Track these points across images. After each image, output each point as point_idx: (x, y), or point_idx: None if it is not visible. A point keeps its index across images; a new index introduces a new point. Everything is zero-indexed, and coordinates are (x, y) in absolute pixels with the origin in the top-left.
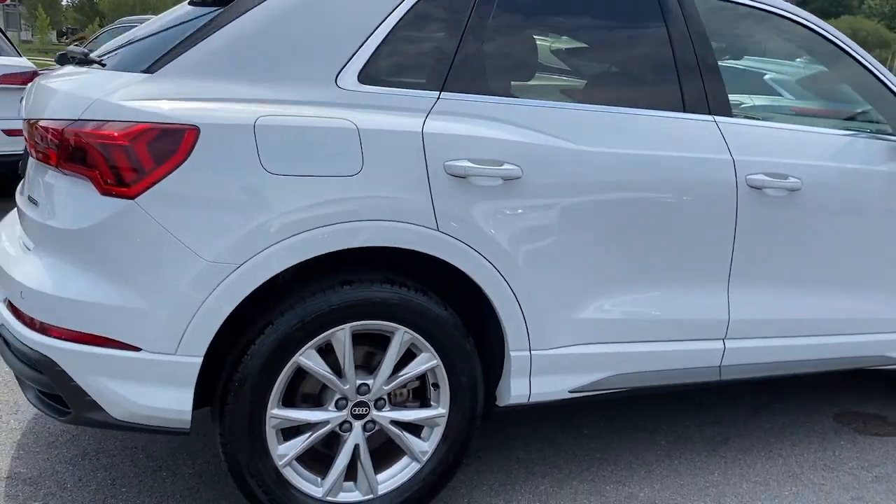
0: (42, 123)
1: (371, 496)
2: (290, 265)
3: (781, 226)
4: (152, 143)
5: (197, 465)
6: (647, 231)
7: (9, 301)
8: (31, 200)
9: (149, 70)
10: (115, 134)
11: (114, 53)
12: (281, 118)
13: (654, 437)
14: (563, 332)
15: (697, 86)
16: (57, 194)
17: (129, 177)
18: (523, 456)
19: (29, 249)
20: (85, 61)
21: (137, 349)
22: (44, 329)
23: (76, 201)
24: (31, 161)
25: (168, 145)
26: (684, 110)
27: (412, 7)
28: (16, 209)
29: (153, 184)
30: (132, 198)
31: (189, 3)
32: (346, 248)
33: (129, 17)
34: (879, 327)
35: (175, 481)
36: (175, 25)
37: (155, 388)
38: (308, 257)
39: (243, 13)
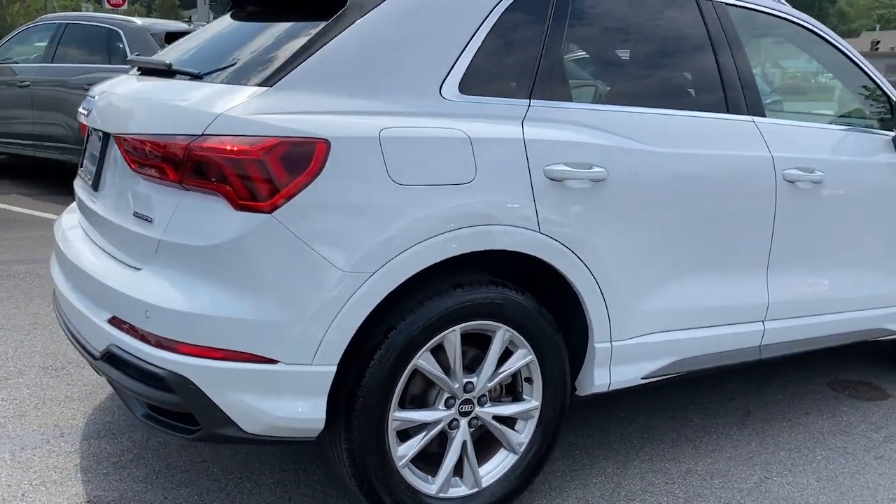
0: (150, 139)
1: (476, 489)
2: (417, 272)
3: (808, 215)
4: (285, 157)
5: (275, 474)
6: (705, 224)
7: (119, 320)
8: (141, 217)
9: (266, 83)
10: (250, 149)
11: (195, 62)
12: (402, 129)
13: (686, 416)
14: (637, 322)
15: (737, 89)
16: (182, 211)
17: (264, 192)
18: (578, 442)
19: (135, 267)
20: (165, 72)
21: (275, 362)
22: (176, 347)
23: (208, 217)
24: (120, 173)
25: (301, 159)
26: (728, 111)
27: (499, 17)
28: (67, 225)
29: (289, 197)
30: (269, 212)
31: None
32: (465, 252)
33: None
34: (880, 303)
35: (262, 492)
36: (257, 36)
37: (291, 400)
38: (431, 263)
39: (348, 26)
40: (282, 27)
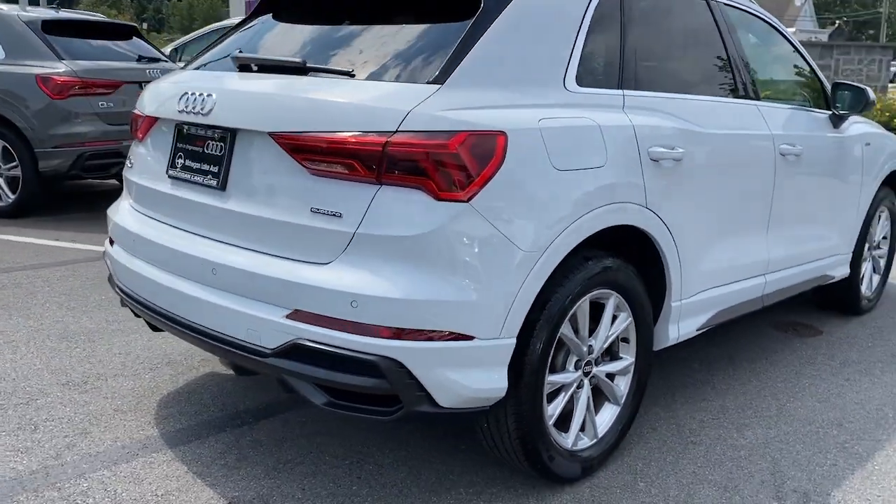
0: (333, 136)
1: (595, 439)
2: (571, 249)
3: (791, 183)
4: (474, 149)
5: (387, 453)
6: (737, 193)
7: (305, 313)
8: (323, 212)
9: (437, 81)
10: (447, 143)
11: (326, 60)
12: (553, 120)
13: (692, 371)
14: (697, 281)
15: (744, 76)
16: (379, 204)
17: (461, 183)
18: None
19: (319, 262)
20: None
21: (471, 338)
22: (381, 333)
23: (408, 209)
24: (273, 171)
25: (487, 151)
26: (739, 97)
27: (593, 14)
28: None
29: (481, 187)
30: (466, 201)
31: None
32: (602, 229)
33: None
34: (826, 253)
35: (386, 471)
36: (379, 34)
37: (483, 372)
38: (581, 240)
39: (488, 26)
40: (402, 25)
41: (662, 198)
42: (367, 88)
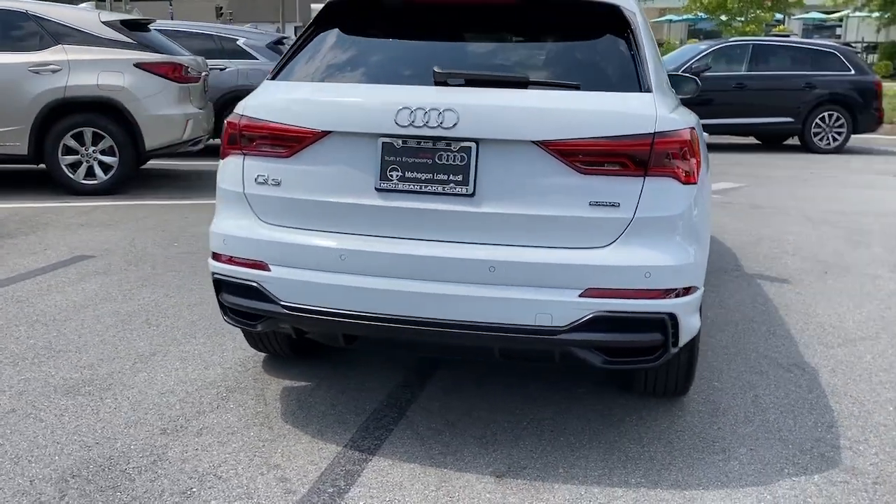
0: (606, 141)
1: None
2: None
3: None
4: (693, 143)
5: (543, 411)
6: None
7: (598, 290)
8: (601, 204)
9: (647, 90)
10: (688, 139)
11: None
12: (693, 116)
13: None
14: None
15: None
16: (648, 192)
17: (693, 169)
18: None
19: (597, 245)
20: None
21: (699, 289)
22: (669, 295)
23: (668, 194)
24: (538, 173)
25: (694, 144)
26: None
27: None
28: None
29: (698, 170)
30: (696, 184)
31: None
32: None
33: None
34: None
35: (555, 426)
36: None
37: (696, 315)
38: None
39: (639, 41)
40: (555, 39)
41: None
42: (608, 98)
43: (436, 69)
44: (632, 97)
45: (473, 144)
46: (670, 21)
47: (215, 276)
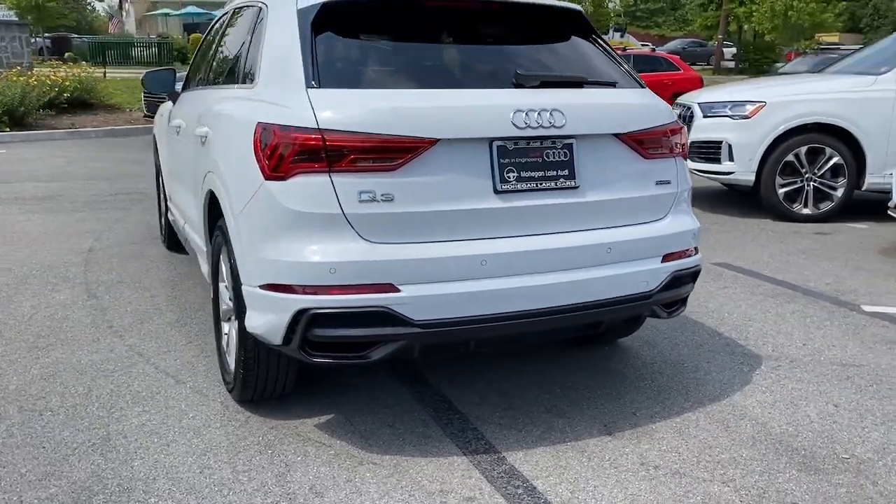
0: (658, 129)
1: None
2: None
3: None
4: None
5: (564, 388)
6: None
7: (672, 254)
8: (661, 182)
9: (642, 86)
10: (681, 126)
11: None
12: None
13: None
14: None
15: None
16: (680, 169)
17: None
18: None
19: (658, 218)
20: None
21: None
22: (697, 251)
23: (684, 169)
24: (619, 162)
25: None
26: None
27: None
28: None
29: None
30: (686, 159)
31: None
32: None
33: None
34: None
35: (582, 397)
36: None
37: None
38: None
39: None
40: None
41: None
42: (640, 94)
43: (518, 72)
44: (647, 92)
45: (573, 141)
46: (167, 15)
47: (314, 311)
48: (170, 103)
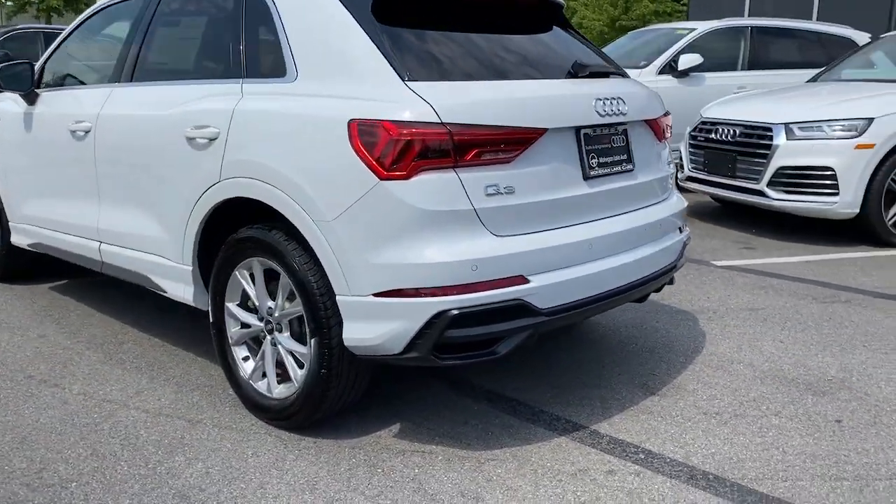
0: (665, 117)
1: None
2: None
3: None
4: None
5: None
6: None
7: (683, 224)
8: (670, 162)
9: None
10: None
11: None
12: None
13: None
14: None
15: None
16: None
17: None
18: None
19: (668, 196)
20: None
21: None
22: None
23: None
24: (650, 145)
25: None
26: None
27: None
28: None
29: None
30: None
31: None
32: None
33: None
34: None
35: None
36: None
37: None
38: None
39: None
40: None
41: None
42: (641, 83)
43: (578, 61)
44: (641, 82)
45: (628, 126)
46: None
47: (454, 312)
48: (21, 103)
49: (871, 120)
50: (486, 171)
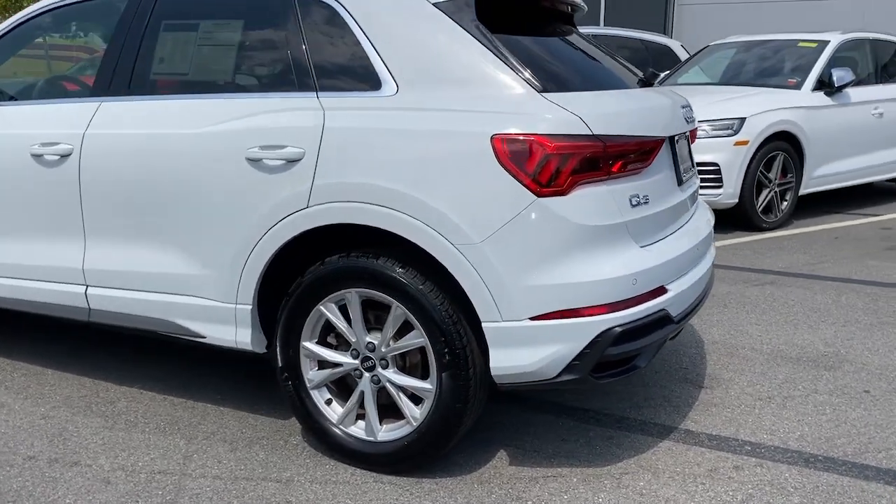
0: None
1: None
2: None
3: None
4: None
5: None
6: None
7: None
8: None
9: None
10: None
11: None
12: None
13: None
14: None
15: None
16: None
17: None
18: None
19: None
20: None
21: None
22: None
23: None
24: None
25: None
26: None
27: None
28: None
29: None
30: None
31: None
32: None
33: None
34: None
35: None
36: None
37: None
38: None
39: None
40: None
41: None
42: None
43: (650, 70)
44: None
45: (688, 133)
46: None
47: (618, 329)
48: None
49: (743, 119)
50: (628, 182)
